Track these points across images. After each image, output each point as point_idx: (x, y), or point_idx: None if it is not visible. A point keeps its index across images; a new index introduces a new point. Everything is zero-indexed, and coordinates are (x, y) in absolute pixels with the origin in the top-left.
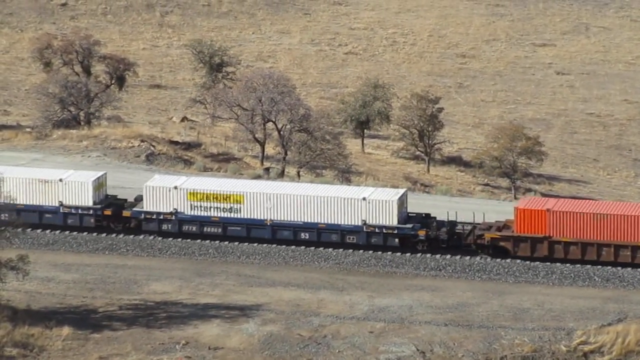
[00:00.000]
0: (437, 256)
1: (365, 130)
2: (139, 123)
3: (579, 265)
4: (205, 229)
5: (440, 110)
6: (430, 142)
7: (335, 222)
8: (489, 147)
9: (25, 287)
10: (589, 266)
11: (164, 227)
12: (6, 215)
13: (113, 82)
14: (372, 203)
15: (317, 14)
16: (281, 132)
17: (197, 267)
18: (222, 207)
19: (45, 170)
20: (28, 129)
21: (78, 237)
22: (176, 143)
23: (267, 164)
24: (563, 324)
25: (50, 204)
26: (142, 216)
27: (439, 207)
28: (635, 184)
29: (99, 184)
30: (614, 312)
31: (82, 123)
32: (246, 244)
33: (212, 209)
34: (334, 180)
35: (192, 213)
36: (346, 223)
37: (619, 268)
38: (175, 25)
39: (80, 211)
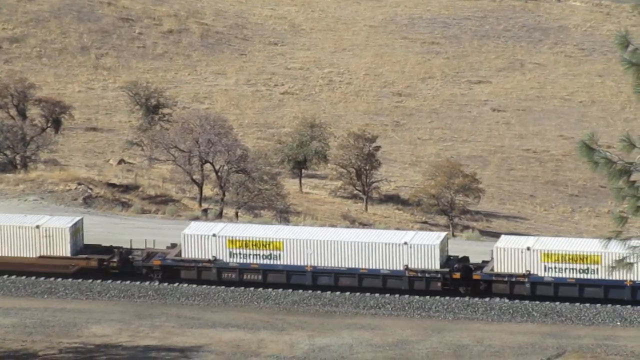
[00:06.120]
0: (377, 295)
1: (302, 170)
2: (75, 166)
3: (517, 301)
4: None
5: (377, 148)
6: (367, 180)
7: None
8: (426, 185)
9: None
10: (527, 302)
11: None
12: None
13: (49, 125)
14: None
15: (253, 55)
16: (219, 173)
17: (137, 309)
18: None
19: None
20: None
21: (16, 280)
22: (114, 186)
23: (205, 206)
24: (503, 359)
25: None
26: None
27: None
28: (572, 219)
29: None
30: (553, 346)
31: (19, 167)
32: (186, 285)
33: None
34: (272, 220)
35: None
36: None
37: (557, 303)
38: (110, 67)
39: None
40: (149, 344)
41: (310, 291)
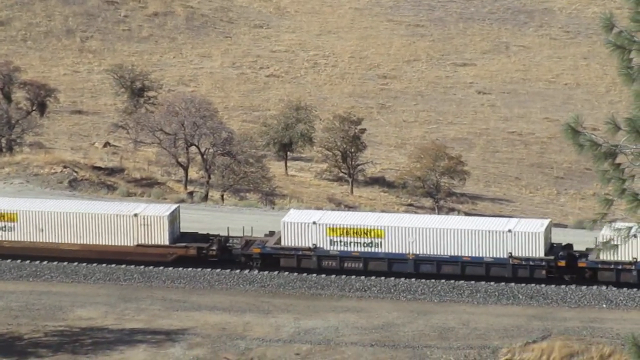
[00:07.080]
0: (363, 277)
1: (288, 153)
2: (61, 149)
3: (503, 284)
4: None
5: (363, 131)
6: (353, 163)
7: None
8: (411, 167)
9: None
10: (512, 284)
11: None
12: None
13: (34, 108)
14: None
15: (238, 37)
16: (204, 156)
17: (122, 292)
18: None
19: None
20: None
21: (1, 264)
22: (99, 168)
23: (190, 188)
24: (488, 342)
25: None
26: None
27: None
28: (557, 201)
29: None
30: (538, 329)
31: (4, 150)
32: (171, 268)
33: None
34: (257, 203)
35: None
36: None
37: (543, 285)
38: (95, 50)
39: None
40: (135, 327)
41: (295, 274)
